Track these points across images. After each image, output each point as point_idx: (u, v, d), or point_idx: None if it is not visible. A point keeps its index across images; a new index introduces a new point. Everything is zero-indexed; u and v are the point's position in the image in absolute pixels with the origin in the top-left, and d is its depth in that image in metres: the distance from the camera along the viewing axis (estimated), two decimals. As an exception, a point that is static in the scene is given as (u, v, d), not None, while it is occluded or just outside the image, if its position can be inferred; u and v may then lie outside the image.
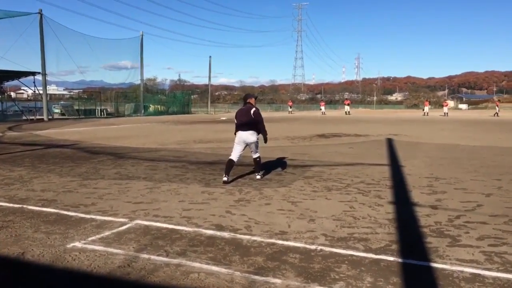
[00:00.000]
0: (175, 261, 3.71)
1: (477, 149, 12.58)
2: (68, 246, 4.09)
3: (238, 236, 4.43)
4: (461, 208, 5.61)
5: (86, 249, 4.00)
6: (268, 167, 8.68)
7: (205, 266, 3.60)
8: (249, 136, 7.46)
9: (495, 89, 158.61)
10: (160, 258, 3.78)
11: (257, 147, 7.62)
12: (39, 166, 8.99)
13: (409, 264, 3.69)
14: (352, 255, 3.88)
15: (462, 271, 3.51)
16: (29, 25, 31.17)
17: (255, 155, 7.65)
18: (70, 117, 37.36)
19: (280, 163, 9.31)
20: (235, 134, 7.60)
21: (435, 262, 3.72)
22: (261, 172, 7.78)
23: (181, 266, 3.59)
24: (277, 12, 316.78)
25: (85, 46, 39.03)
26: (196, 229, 4.66)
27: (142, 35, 44.31)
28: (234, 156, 7.46)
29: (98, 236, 4.38)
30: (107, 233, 4.50)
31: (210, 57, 56.26)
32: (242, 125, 7.49)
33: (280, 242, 4.24)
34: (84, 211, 5.39)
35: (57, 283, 3.32)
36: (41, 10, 31.35)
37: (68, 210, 5.43)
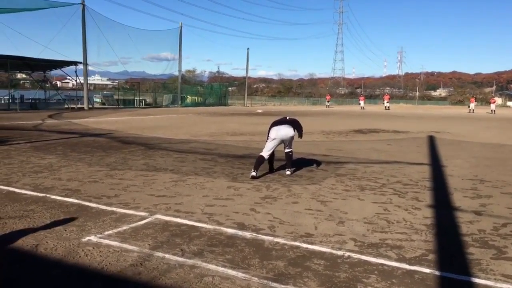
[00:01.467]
0: (190, 261, 3.48)
1: (526, 150, 11.72)
2: (83, 240, 3.95)
3: (260, 237, 4.15)
4: (508, 215, 5.10)
5: (101, 244, 3.84)
6: (299, 163, 8.34)
7: (221, 269, 3.34)
8: (288, 130, 7.28)
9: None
10: (175, 257, 3.56)
11: (292, 141, 7.41)
12: (70, 155, 9.04)
13: (447, 278, 3.30)
14: (383, 265, 3.52)
15: (508, 290, 3.10)
16: (72, 15, 32.00)
17: (288, 149, 7.37)
18: (109, 106, 38.21)
19: (313, 160, 8.95)
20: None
21: (477, 277, 3.31)
22: (292, 168, 7.47)
23: (196, 268, 3.36)
24: (318, 4, 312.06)
25: (126, 37, 39.78)
26: (217, 227, 4.42)
27: (181, 26, 44.60)
28: (266, 153, 7.19)
29: (115, 231, 4.22)
30: (125, 227, 4.34)
31: (248, 49, 56.07)
32: (278, 123, 7.36)
33: (305, 245, 3.93)
34: (106, 202, 5.27)
35: (64, 280, 3.16)
36: (84, 1, 32.08)
37: (90, 201, 5.32)
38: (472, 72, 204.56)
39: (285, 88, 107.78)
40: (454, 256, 3.77)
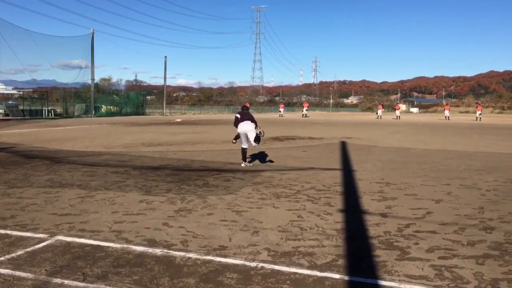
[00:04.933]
0: (92, 286, 3.21)
1: (427, 153, 12.70)
2: (-33, 270, 3.49)
3: (172, 253, 3.97)
4: (411, 216, 5.41)
5: (-11, 274, 3.41)
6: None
7: (126, 292, 3.12)
8: (248, 125, 9.41)
9: (444, 93, 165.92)
10: (75, 283, 3.26)
11: (253, 138, 9.26)
12: (-39, 173, 8.11)
13: (356, 282, 3.38)
14: (295, 273, 3.51)
15: (411, 289, 3.24)
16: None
17: (253, 144, 9.32)
18: (14, 118, 35.26)
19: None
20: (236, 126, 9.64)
21: (383, 279, 3.43)
22: (246, 162, 9.48)
23: (98, 293, 3.10)
24: (236, 14, 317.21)
25: (32, 43, 37.07)
26: (125, 245, 4.16)
27: (93, 33, 42.62)
28: (243, 144, 9.55)
29: (7, 257, 3.79)
30: (19, 252, 3.92)
31: (165, 57, 54.94)
32: (243, 120, 9.50)
33: (218, 259, 3.82)
34: (0, 225, 4.75)
35: None
36: (-18, 4, 29.41)
37: (-20, 224, 4.76)
38: (379, 80, 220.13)
39: (205, 97, 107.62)
40: (362, 260, 3.88)
